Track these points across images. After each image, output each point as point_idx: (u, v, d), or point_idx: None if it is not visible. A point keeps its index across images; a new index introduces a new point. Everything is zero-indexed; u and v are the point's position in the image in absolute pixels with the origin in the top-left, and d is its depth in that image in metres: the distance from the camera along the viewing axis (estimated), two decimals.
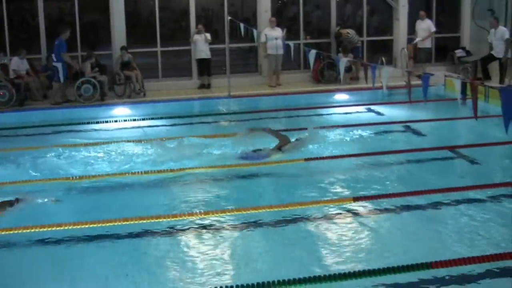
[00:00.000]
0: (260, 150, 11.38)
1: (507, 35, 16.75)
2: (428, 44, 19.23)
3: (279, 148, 11.32)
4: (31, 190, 9.51)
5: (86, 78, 17.08)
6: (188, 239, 7.91)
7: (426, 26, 19.11)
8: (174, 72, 19.58)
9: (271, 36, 18.20)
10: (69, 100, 17.06)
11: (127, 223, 8.00)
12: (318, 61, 18.67)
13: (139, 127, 14.43)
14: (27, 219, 8.24)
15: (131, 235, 7.88)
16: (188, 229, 8.15)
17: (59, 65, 16.76)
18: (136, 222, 8.04)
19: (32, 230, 7.82)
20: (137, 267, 7.04)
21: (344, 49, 19.19)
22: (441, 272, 6.60)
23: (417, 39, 19.08)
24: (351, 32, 19.17)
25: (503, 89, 7.87)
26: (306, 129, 12.46)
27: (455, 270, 6.63)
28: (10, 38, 18.22)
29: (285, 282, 6.29)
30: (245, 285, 6.24)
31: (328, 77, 19.12)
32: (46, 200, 9.21)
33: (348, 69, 18.15)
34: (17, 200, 8.99)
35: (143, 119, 14.98)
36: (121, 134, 13.73)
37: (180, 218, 8.35)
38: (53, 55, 16.97)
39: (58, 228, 7.87)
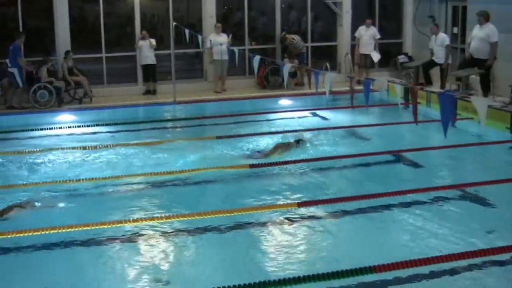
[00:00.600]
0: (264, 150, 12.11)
1: (447, 42, 17.08)
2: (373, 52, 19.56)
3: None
4: None
5: (42, 83, 16.82)
6: (133, 246, 7.92)
7: (372, 33, 19.40)
8: (120, 78, 19.42)
9: (217, 42, 18.23)
10: (23, 107, 16.81)
11: None
12: (263, 67, 18.77)
13: (92, 133, 14.38)
14: None
15: None
16: (132, 235, 8.16)
17: (15, 70, 16.51)
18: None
19: None
20: None
21: (289, 55, 19.33)
22: (386, 275, 6.72)
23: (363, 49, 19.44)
24: (296, 37, 19.31)
25: (442, 94, 8.09)
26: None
27: (400, 273, 6.76)
28: None
29: None
30: None
31: (273, 83, 19.20)
32: None
33: (293, 75, 18.30)
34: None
35: (90, 126, 14.82)
36: (64, 141, 13.64)
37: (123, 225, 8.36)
38: (7, 60, 16.71)
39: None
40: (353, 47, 19.98)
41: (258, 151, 12.16)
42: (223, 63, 18.64)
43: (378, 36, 19.56)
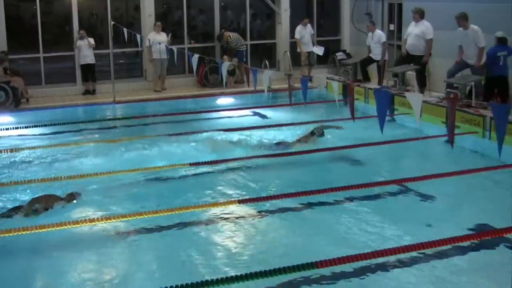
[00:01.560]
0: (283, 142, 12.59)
1: (383, 39, 17.36)
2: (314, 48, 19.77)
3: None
4: None
5: None
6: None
7: (309, 31, 19.61)
8: (58, 78, 19.16)
9: (156, 41, 18.18)
10: None
11: None
12: (202, 66, 18.81)
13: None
14: None
15: None
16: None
17: None
18: None
19: None
20: None
21: (229, 53, 19.40)
22: (323, 271, 6.84)
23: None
24: (232, 35, 19.36)
25: (377, 90, 8.23)
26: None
27: (337, 268, 6.89)
28: None
29: None
30: None
31: (213, 81, 19.24)
32: None
33: (231, 73, 18.37)
34: None
35: (29, 127, 14.60)
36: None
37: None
38: None
39: None
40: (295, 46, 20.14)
41: (277, 143, 12.49)
42: (162, 62, 18.58)
43: (313, 32, 19.84)
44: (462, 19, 14.03)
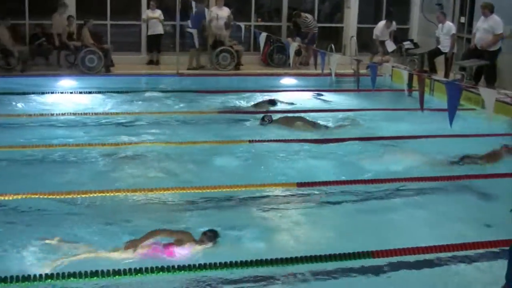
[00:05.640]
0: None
1: (453, 31, 17.00)
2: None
3: None
4: None
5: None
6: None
7: (391, 29, 19.34)
8: (123, 47, 19.31)
9: (217, 15, 18.09)
10: None
11: None
12: (267, 44, 18.73)
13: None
14: None
15: None
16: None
17: None
18: None
19: None
20: None
21: (291, 33, 19.32)
22: (379, 261, 6.71)
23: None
24: (309, 16, 19.24)
25: (449, 83, 8.06)
26: None
27: (394, 259, 6.75)
28: None
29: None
30: None
31: (277, 61, 19.19)
32: None
33: (297, 53, 18.25)
34: None
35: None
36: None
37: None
38: None
39: None
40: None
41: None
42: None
43: (395, 29, 19.48)
44: None
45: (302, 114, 12.87)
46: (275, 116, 12.43)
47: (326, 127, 12.22)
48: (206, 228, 6.97)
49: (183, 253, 6.57)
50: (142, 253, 6.51)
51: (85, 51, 16.83)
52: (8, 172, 9.36)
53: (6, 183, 8.65)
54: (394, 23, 19.35)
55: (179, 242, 6.65)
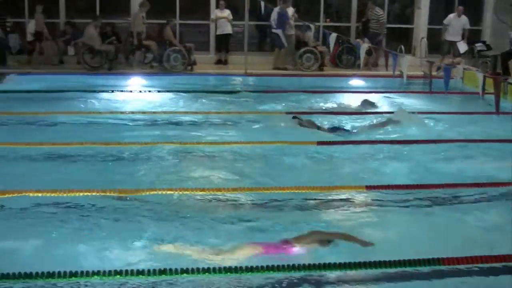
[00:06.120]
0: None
1: None
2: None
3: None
4: None
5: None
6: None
7: (463, 22, 18.97)
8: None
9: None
10: None
11: None
12: (336, 45, 18.58)
13: None
14: None
15: None
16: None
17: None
18: None
19: None
20: None
21: (359, 35, 19.19)
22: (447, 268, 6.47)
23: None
24: (380, 10, 19.01)
25: None
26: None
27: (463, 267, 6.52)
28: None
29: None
30: None
31: (345, 62, 19.04)
32: None
33: (368, 53, 18.02)
34: None
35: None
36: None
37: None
38: None
39: None
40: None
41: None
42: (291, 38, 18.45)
43: (468, 26, 19.08)
44: None
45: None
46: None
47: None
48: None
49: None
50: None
51: (171, 49, 17.03)
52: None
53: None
54: (466, 18, 18.97)
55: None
